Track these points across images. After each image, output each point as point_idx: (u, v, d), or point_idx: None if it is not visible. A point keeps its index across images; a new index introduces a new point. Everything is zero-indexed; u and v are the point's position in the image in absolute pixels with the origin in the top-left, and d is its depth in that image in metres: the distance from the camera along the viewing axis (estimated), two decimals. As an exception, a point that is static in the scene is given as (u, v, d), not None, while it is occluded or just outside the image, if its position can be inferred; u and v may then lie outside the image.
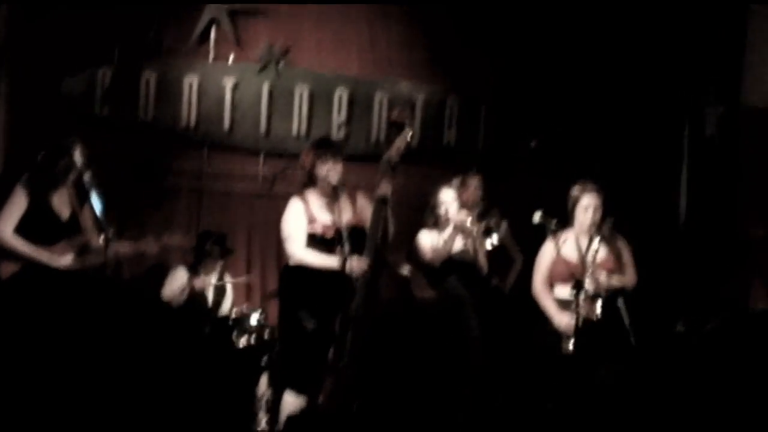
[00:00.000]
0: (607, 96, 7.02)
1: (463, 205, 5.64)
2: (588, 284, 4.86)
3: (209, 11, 6.55)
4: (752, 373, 5.28)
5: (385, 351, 4.89)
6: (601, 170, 5.30)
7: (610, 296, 4.90)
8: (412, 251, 5.62)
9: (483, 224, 5.48)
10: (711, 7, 7.05)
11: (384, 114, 6.75)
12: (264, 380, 5.45)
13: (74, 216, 4.67)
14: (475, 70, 6.99)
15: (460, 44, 6.96)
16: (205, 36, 6.60)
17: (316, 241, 4.66)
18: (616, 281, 4.97)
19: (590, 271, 4.90)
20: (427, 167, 6.55)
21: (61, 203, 4.63)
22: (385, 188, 4.69)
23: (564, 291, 4.96)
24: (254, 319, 5.69)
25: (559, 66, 6.97)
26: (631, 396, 4.90)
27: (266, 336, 5.65)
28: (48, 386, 4.39)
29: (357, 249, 4.59)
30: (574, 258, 4.99)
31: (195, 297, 5.88)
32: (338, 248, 4.59)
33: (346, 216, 4.70)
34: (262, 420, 5.32)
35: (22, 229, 4.51)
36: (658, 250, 6.54)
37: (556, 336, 4.91)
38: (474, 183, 5.89)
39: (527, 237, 5.52)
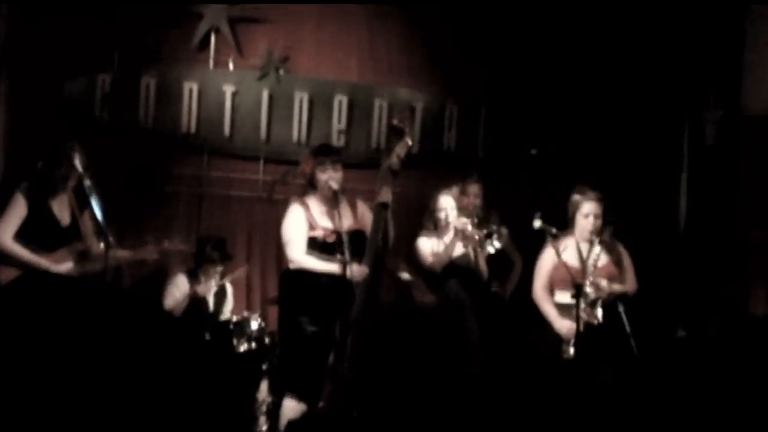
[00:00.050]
0: (607, 101, 7.03)
1: (463, 210, 5.65)
2: (589, 290, 4.87)
3: (209, 17, 6.55)
4: (752, 378, 5.28)
5: (386, 356, 4.89)
6: (598, 180, 5.27)
7: (610, 301, 4.91)
8: (411, 256, 5.62)
9: (484, 229, 5.48)
10: (710, 12, 7.05)
11: (384, 120, 6.75)
12: (264, 385, 5.44)
13: (74, 222, 4.67)
14: (474, 75, 7.00)
15: (460, 49, 6.97)
16: (205, 42, 6.60)
17: (316, 245, 4.66)
18: (616, 287, 4.98)
19: (591, 277, 4.91)
20: (427, 172, 6.56)
21: (62, 209, 4.64)
22: (385, 195, 4.69)
23: (564, 296, 4.96)
24: (255, 324, 5.69)
25: (558, 71, 6.97)
26: (631, 401, 4.89)
27: (267, 341, 5.65)
28: (48, 392, 4.39)
29: (357, 254, 4.59)
30: (575, 264, 5.00)
31: (196, 302, 5.89)
32: (338, 253, 4.59)
33: (347, 221, 4.69)
34: (263, 425, 5.30)
35: (22, 236, 4.52)
36: (658, 255, 6.54)
37: (556, 341, 4.92)
38: (474, 189, 5.89)
39: (527, 242, 5.52)
